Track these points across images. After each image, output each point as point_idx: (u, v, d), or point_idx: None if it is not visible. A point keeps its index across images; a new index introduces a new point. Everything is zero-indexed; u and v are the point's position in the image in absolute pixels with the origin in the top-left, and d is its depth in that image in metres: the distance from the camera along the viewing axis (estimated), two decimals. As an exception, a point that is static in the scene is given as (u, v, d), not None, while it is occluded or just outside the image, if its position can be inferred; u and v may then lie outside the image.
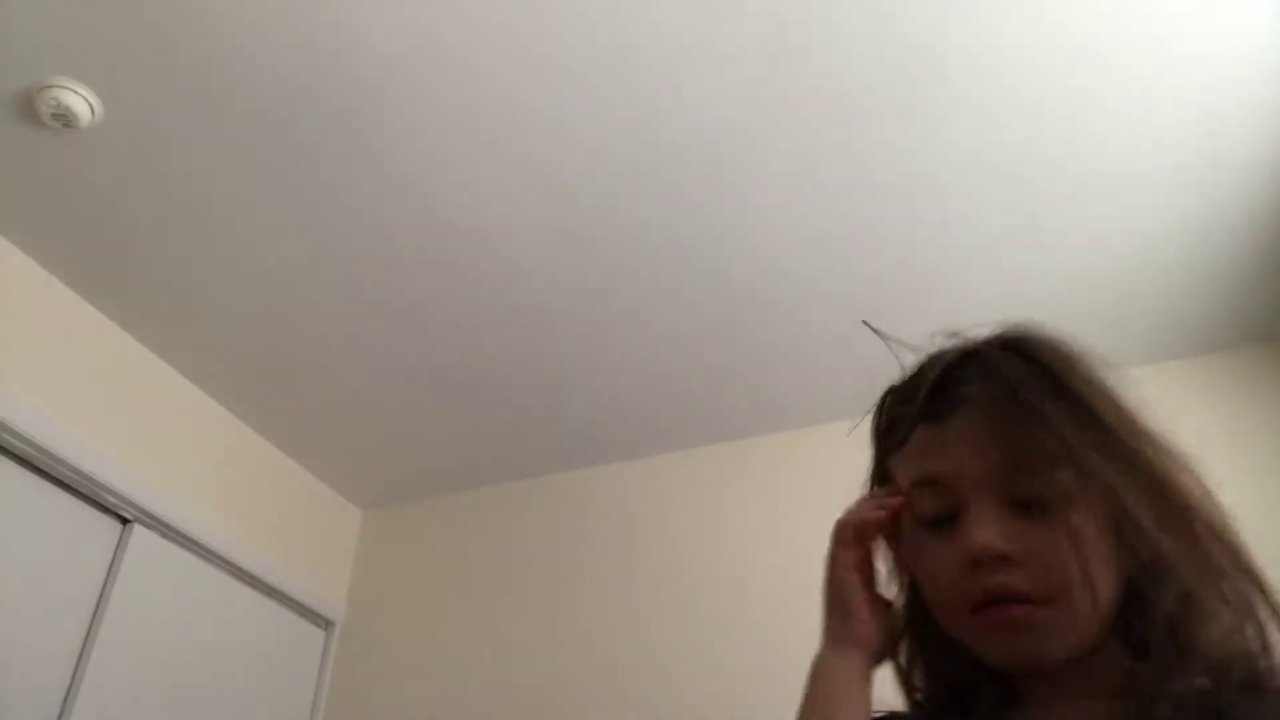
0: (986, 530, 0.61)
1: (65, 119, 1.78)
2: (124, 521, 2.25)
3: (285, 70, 1.74)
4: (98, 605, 2.13)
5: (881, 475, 0.74)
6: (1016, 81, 1.70)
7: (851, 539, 0.71)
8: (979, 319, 0.73)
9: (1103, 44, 1.63)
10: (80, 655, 2.06)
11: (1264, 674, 0.58)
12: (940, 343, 0.72)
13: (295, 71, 1.74)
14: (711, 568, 2.52)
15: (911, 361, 0.74)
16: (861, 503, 0.73)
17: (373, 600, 2.93)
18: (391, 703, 2.69)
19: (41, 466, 2.06)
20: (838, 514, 0.75)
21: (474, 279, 2.19)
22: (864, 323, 0.81)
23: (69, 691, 2.01)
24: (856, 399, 0.80)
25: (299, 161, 1.92)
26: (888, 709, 0.72)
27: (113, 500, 2.20)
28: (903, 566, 0.74)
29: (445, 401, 2.60)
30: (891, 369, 0.75)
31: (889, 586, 0.74)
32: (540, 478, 2.92)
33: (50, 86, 1.74)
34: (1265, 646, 0.59)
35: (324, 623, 2.85)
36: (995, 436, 0.63)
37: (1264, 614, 0.59)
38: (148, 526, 2.29)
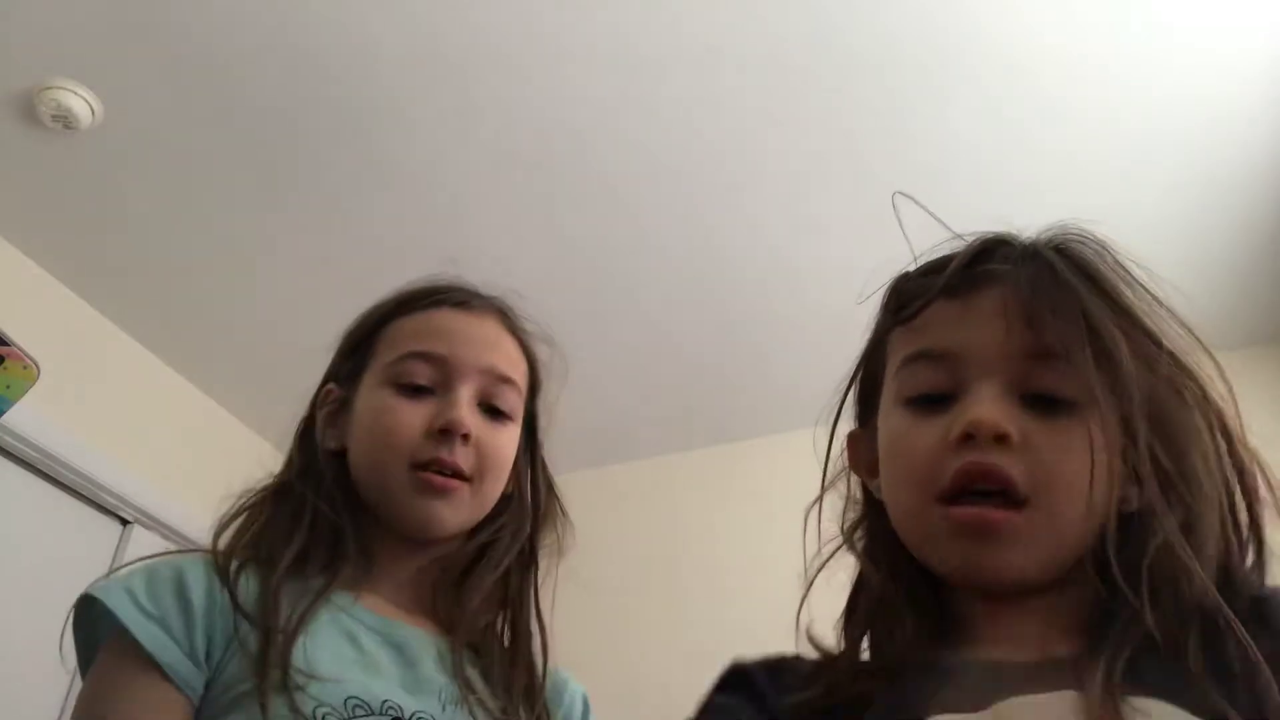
0: (988, 405, 0.53)
1: (65, 120, 1.78)
2: (124, 522, 2.25)
3: (284, 71, 1.74)
4: (98, 606, 2.13)
5: (873, 358, 0.65)
6: (1014, 79, 1.71)
7: None
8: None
9: (1102, 44, 1.64)
10: (80, 656, 2.06)
11: (1241, 585, 0.52)
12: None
13: (295, 73, 1.74)
14: (712, 569, 2.52)
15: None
16: None
17: (373, 601, 2.93)
18: (391, 703, 2.69)
19: (41, 468, 2.06)
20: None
21: (474, 279, 2.19)
22: (899, 193, 0.73)
23: (69, 692, 2.01)
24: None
25: (299, 162, 1.91)
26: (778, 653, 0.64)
27: (113, 500, 2.20)
28: (861, 465, 0.66)
29: (445, 402, 2.60)
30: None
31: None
32: (540, 478, 2.92)
33: (50, 87, 1.74)
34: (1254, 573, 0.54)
35: (324, 623, 2.84)
36: (1025, 316, 0.55)
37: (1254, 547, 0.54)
38: (148, 527, 2.29)
